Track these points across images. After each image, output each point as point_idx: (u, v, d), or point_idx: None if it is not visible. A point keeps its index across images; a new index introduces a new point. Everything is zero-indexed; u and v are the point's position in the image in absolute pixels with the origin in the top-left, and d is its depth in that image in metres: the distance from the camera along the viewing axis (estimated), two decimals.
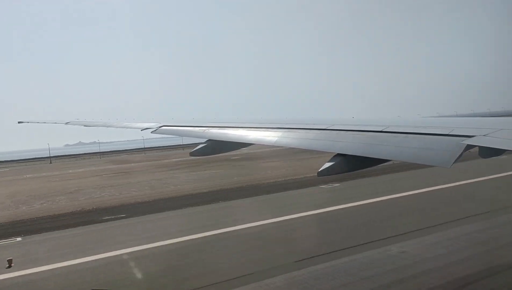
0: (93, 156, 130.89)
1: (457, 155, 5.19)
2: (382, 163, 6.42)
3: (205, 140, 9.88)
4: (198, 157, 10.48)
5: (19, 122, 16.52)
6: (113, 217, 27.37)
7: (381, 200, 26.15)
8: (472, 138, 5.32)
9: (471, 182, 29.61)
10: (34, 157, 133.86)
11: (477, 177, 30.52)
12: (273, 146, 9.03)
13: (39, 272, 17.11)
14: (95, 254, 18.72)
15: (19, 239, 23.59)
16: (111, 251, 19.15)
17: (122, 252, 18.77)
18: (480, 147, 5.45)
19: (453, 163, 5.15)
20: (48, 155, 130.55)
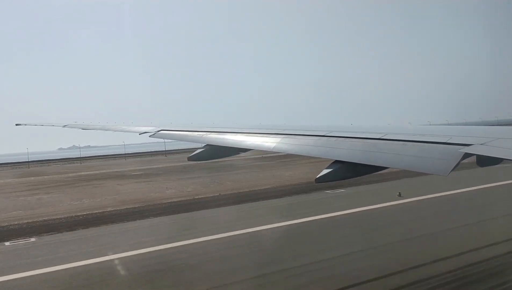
0: (33, 165, 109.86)
1: (455, 164, 5.21)
2: (380, 170, 6.44)
3: (203, 145, 9.88)
4: (195, 162, 10.47)
5: (16, 124, 16.50)
6: None
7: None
8: (469, 146, 5.34)
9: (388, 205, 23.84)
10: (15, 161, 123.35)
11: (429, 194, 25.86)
12: (271, 152, 9.02)
13: None
14: None
15: None
16: None
17: None
18: (477, 155, 5.47)
19: (451, 171, 5.17)
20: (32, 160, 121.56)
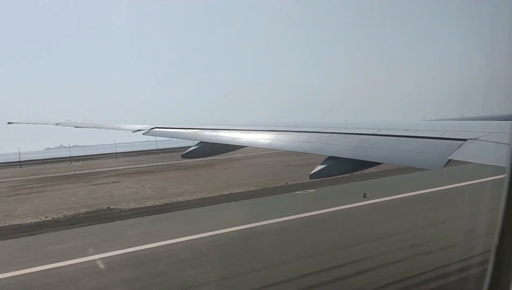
0: None
1: (447, 159, 5.19)
2: (374, 165, 6.44)
3: (197, 142, 9.84)
4: (189, 159, 10.43)
5: (8, 123, 16.34)
6: None
7: None
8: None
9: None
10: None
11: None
12: (265, 149, 9.01)
13: None
14: None
15: None
16: None
17: None
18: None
19: (443, 166, 5.16)
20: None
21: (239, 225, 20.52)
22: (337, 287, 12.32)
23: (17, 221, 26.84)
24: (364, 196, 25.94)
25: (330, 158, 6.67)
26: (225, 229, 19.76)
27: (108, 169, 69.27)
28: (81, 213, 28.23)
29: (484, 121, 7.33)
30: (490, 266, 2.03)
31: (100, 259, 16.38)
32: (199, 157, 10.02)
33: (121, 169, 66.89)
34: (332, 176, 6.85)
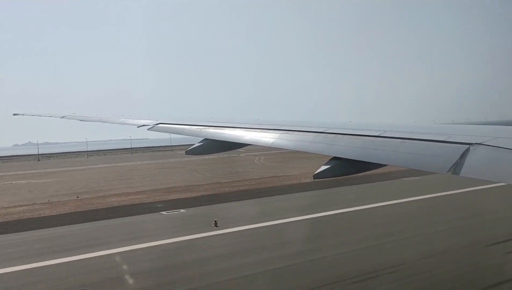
0: None
1: (453, 162, 5.17)
2: (378, 167, 6.43)
3: (201, 139, 9.84)
4: (193, 156, 10.42)
5: (14, 114, 16.39)
6: None
7: None
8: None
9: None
10: None
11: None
12: (269, 148, 9.01)
13: None
14: None
15: None
16: None
17: None
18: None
19: (449, 170, 5.13)
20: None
21: None
22: None
23: None
24: (215, 224, 22.35)
25: (334, 158, 6.67)
26: None
27: None
28: None
29: (491, 125, 7.30)
30: None
31: None
32: (203, 154, 10.02)
33: None
34: (336, 176, 6.85)
